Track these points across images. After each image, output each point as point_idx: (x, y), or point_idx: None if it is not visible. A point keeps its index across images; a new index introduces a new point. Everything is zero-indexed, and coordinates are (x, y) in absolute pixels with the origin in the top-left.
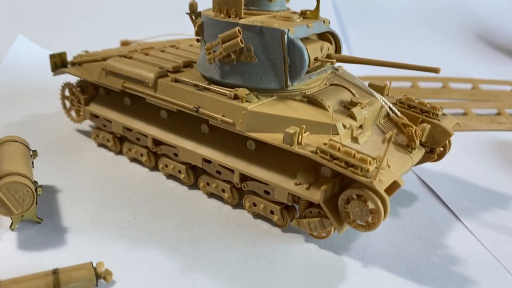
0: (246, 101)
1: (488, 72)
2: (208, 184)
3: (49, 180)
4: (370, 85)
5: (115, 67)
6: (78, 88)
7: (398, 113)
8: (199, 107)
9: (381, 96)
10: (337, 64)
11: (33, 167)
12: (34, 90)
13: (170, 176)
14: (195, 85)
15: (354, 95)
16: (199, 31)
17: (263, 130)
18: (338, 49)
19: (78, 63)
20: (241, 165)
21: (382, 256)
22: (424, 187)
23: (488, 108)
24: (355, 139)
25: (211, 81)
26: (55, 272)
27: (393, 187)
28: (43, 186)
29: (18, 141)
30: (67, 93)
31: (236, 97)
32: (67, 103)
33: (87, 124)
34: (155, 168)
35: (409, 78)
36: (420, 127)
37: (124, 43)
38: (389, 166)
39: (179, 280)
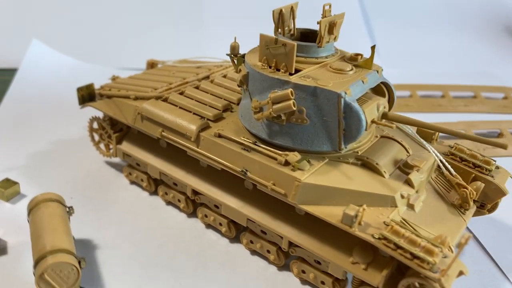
0: (298, 169)
1: None
2: (251, 242)
3: (86, 232)
4: (418, 132)
5: (152, 114)
6: (108, 123)
7: (452, 171)
8: (247, 171)
9: (434, 150)
10: None
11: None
12: (56, 103)
13: (209, 226)
14: (240, 143)
15: (407, 151)
16: (244, 81)
17: (317, 202)
18: (391, 100)
19: (106, 95)
20: (290, 232)
21: None
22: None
23: None
24: (411, 206)
25: (257, 138)
26: None
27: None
28: (81, 240)
29: (55, 200)
30: (95, 125)
31: (287, 163)
32: (96, 136)
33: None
34: (193, 214)
35: (440, 87)
36: (474, 186)
37: (151, 64)
38: (450, 249)
39: None
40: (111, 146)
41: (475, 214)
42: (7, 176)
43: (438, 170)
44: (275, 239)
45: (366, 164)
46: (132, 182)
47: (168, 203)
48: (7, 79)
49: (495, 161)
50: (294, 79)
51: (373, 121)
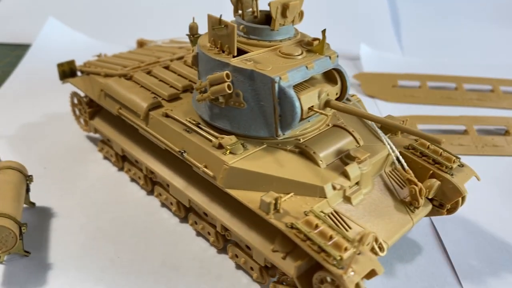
0: (230, 153)
1: None
2: (196, 223)
3: (48, 200)
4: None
5: (112, 91)
6: (85, 99)
7: (405, 165)
8: (184, 152)
9: (389, 142)
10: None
11: (29, 190)
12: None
13: (164, 204)
14: (184, 124)
15: (358, 142)
16: (194, 62)
17: (244, 187)
18: (344, 88)
19: (86, 72)
20: (223, 216)
21: None
22: (433, 234)
23: None
24: (347, 199)
25: (202, 120)
26: None
27: (371, 273)
28: (40, 207)
29: (14, 168)
30: (76, 101)
31: (220, 147)
32: (77, 111)
33: None
34: (152, 192)
35: (454, 78)
36: (428, 183)
37: (140, 43)
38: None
39: None
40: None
41: (433, 214)
42: None
43: (395, 164)
44: (214, 221)
45: (304, 152)
46: (105, 157)
47: (132, 179)
48: (20, 54)
49: (459, 158)
50: (234, 61)
51: (311, 109)
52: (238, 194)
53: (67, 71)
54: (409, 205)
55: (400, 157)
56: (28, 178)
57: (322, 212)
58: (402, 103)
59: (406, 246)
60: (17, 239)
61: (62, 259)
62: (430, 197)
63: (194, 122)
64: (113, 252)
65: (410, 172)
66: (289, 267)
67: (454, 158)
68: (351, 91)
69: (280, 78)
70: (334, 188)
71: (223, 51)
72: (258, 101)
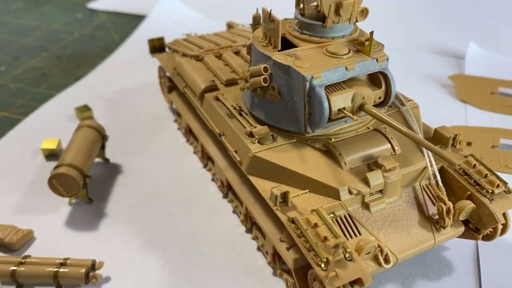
0: (258, 142)
1: None
2: (232, 200)
3: (121, 158)
4: (435, 133)
5: (181, 69)
6: (167, 73)
7: (439, 181)
8: (223, 134)
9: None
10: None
11: (104, 148)
12: None
13: (213, 178)
14: (228, 109)
15: (394, 150)
16: (248, 52)
17: (264, 176)
18: (388, 93)
19: (172, 49)
20: (248, 199)
21: None
22: (473, 258)
23: None
24: (366, 205)
25: (246, 108)
26: (62, 263)
27: (360, 280)
28: (113, 164)
29: (93, 127)
30: (162, 74)
31: (251, 135)
32: (162, 83)
33: None
34: (206, 165)
35: None
36: (460, 204)
37: (229, 25)
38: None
39: None
40: None
41: (466, 237)
42: (89, 103)
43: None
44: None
45: (330, 152)
46: (179, 128)
47: (194, 152)
48: (137, 24)
49: (506, 183)
50: (276, 55)
51: (341, 110)
52: (257, 181)
53: (157, 46)
54: (435, 223)
55: (437, 172)
56: (104, 137)
57: (333, 213)
58: (497, 113)
59: (437, 264)
60: (80, 188)
61: (115, 211)
62: (461, 219)
63: (237, 109)
64: (158, 213)
65: (443, 189)
66: (290, 258)
67: (499, 182)
68: (444, 93)
69: (312, 77)
70: (350, 192)
71: (271, 44)
72: (292, 96)
